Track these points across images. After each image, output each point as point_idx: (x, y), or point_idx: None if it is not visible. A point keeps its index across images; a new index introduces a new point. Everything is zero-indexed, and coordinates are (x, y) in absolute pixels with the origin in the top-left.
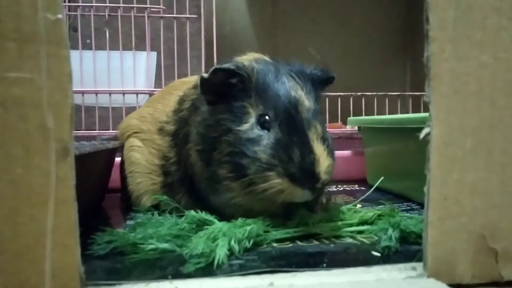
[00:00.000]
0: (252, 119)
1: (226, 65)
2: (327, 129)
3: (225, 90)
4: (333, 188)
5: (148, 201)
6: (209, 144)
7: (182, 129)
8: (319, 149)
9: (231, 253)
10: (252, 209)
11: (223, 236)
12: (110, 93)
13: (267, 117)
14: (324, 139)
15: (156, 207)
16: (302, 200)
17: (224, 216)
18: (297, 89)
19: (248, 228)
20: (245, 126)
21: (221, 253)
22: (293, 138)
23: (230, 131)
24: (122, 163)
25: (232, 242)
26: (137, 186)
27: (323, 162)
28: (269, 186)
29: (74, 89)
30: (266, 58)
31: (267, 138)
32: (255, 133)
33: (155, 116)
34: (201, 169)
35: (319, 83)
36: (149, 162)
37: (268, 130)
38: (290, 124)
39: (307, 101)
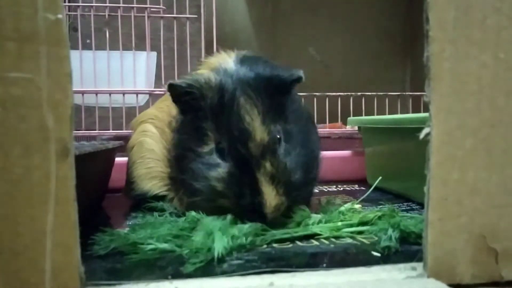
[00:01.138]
0: (212, 144)
1: (179, 81)
2: (327, 129)
3: (187, 105)
4: (333, 188)
5: (155, 186)
6: (180, 154)
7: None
8: (267, 189)
9: (231, 253)
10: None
11: (218, 230)
12: (110, 93)
13: (223, 145)
14: (273, 178)
15: (159, 199)
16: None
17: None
18: (251, 115)
19: (246, 226)
20: (205, 149)
21: (219, 246)
22: (243, 178)
23: (191, 149)
24: (131, 148)
25: (228, 238)
26: (148, 170)
27: (271, 203)
28: (219, 207)
29: (74, 89)
30: (232, 61)
31: (223, 167)
32: (214, 159)
33: (171, 108)
34: (178, 173)
35: (284, 87)
36: (161, 151)
37: (224, 159)
38: (240, 161)
39: (259, 133)
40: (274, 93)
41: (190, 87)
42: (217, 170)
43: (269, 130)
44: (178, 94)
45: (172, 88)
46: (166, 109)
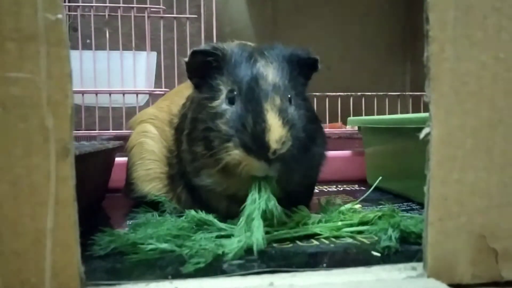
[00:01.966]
0: (223, 95)
1: (202, 47)
2: (327, 129)
3: (205, 71)
4: (333, 188)
5: (154, 188)
6: (192, 125)
7: (183, 123)
8: (272, 119)
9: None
10: (230, 195)
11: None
12: (110, 93)
13: (235, 92)
14: (281, 111)
15: (156, 205)
16: (261, 173)
17: (212, 208)
18: (265, 65)
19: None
20: (216, 102)
21: (258, 236)
22: (249, 109)
23: (206, 108)
24: (130, 148)
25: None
26: (147, 172)
27: (275, 131)
28: (229, 157)
29: (74, 89)
30: (251, 44)
31: (230, 111)
32: (222, 108)
33: (171, 107)
34: (187, 152)
35: (303, 65)
36: (160, 151)
37: (234, 104)
38: (249, 97)
39: (271, 76)
40: (291, 64)
41: (214, 49)
42: (224, 116)
43: (282, 80)
44: (199, 61)
45: (195, 54)
46: (166, 108)
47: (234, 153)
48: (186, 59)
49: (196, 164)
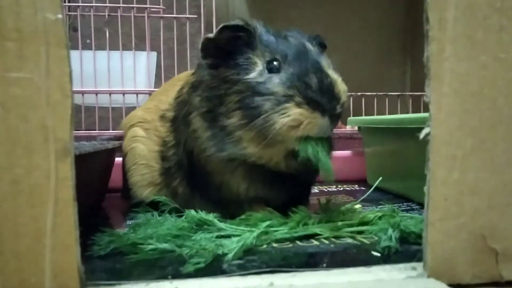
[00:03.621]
0: (260, 67)
1: (233, 22)
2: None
3: (230, 48)
4: (333, 188)
5: (151, 194)
6: (215, 102)
7: (182, 111)
8: (333, 74)
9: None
10: (258, 163)
11: None
12: (110, 93)
13: (275, 62)
14: (336, 71)
15: (156, 205)
16: (322, 132)
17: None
18: (301, 38)
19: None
20: (253, 74)
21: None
22: (308, 68)
23: (239, 81)
24: (125, 154)
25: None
26: (142, 177)
27: (341, 84)
28: (287, 119)
29: (74, 89)
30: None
31: (278, 78)
32: (265, 76)
33: (159, 107)
34: (204, 130)
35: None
36: (150, 150)
37: (278, 72)
38: (302, 60)
39: (313, 48)
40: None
41: (247, 25)
42: (271, 82)
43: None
44: (227, 37)
45: (225, 29)
46: (154, 109)
47: (295, 112)
48: (212, 35)
49: (224, 140)
